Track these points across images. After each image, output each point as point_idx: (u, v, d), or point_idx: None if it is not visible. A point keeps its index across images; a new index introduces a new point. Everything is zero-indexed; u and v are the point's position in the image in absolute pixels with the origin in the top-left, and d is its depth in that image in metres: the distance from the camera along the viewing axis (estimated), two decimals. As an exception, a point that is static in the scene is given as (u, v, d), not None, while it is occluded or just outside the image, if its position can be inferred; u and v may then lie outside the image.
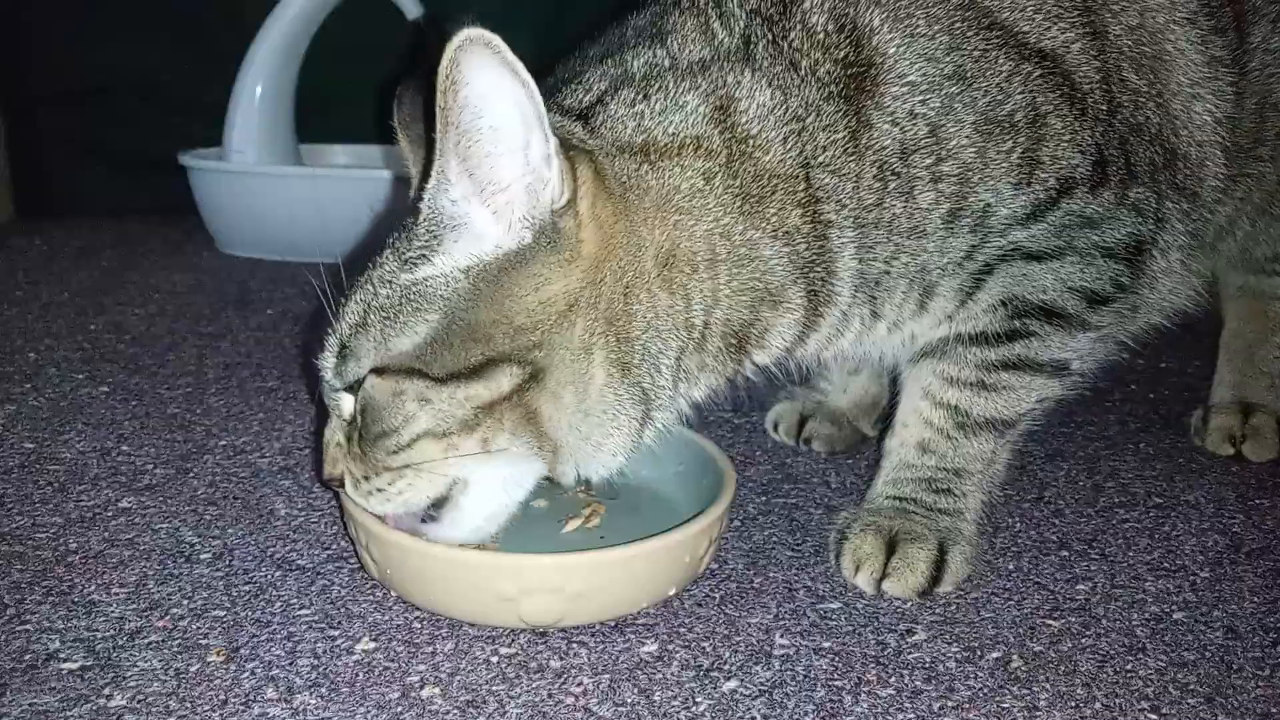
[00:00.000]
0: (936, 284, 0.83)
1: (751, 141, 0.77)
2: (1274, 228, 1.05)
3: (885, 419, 0.97)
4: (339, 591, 0.81)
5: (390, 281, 0.74)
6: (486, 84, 0.66)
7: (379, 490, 0.76)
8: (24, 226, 2.12)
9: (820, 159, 0.77)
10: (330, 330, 0.78)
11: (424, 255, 0.73)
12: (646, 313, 0.75)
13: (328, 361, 0.78)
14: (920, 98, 0.77)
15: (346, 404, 0.78)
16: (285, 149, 1.97)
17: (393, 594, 0.81)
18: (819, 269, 0.79)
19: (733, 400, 1.24)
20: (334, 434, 0.80)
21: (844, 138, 0.77)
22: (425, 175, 0.74)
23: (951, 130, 0.78)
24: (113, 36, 2.16)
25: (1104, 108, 0.81)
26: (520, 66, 0.66)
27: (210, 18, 2.14)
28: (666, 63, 0.79)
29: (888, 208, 0.78)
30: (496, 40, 0.65)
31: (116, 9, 2.14)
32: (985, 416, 0.86)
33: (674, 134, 0.76)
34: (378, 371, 0.74)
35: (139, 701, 0.67)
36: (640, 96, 0.78)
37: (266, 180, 1.90)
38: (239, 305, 1.60)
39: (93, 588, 0.80)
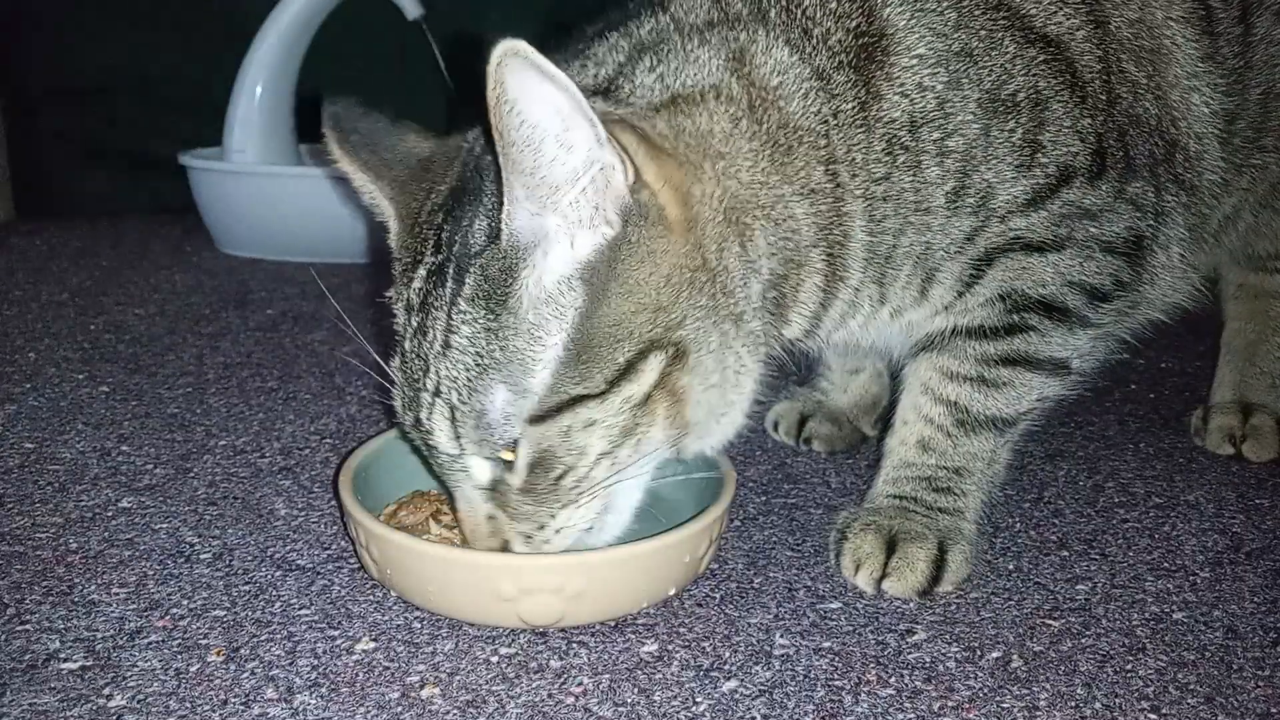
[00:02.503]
0: (938, 268, 0.83)
1: (773, 92, 0.77)
2: (1276, 221, 1.05)
3: (885, 419, 0.97)
4: (339, 591, 0.81)
5: (492, 329, 0.71)
6: (530, 95, 0.65)
7: (558, 532, 0.75)
8: (24, 226, 2.12)
9: (833, 124, 0.78)
10: (418, 412, 0.74)
11: (517, 283, 0.70)
12: (734, 263, 0.75)
13: (450, 438, 0.73)
14: (929, 71, 0.78)
15: (481, 470, 0.75)
16: (285, 149, 1.96)
17: (393, 594, 0.81)
18: (836, 233, 0.79)
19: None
20: (475, 508, 0.76)
21: (853, 108, 0.78)
22: (422, 208, 0.73)
23: (958, 105, 0.78)
24: (113, 36, 2.16)
25: (1103, 98, 0.82)
26: (552, 67, 0.65)
27: (210, 18, 2.14)
28: (672, 26, 0.80)
29: (895, 181, 0.79)
30: (525, 47, 0.63)
31: (116, 9, 2.14)
32: (985, 414, 0.86)
33: (694, 85, 0.77)
34: (536, 420, 0.71)
35: (139, 701, 0.67)
36: (656, 60, 0.78)
37: (266, 180, 1.90)
38: (239, 305, 1.60)
39: (93, 588, 0.80)
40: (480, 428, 0.72)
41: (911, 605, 0.82)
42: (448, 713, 0.67)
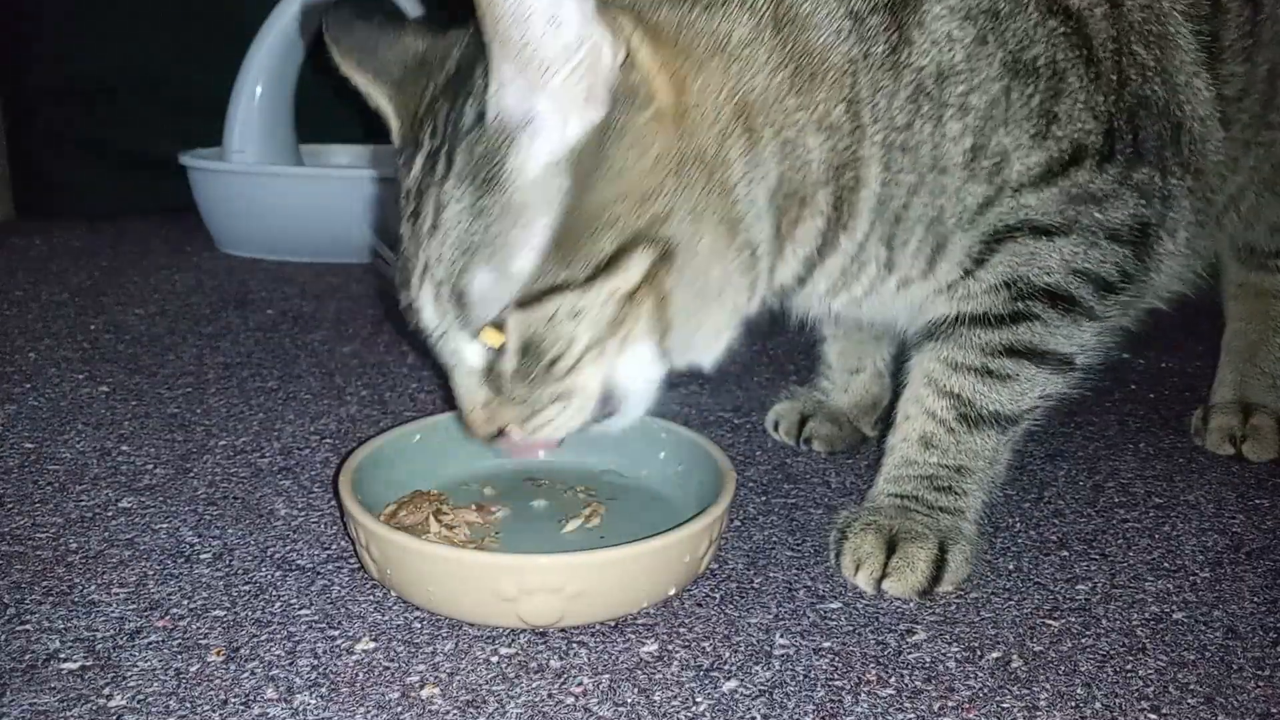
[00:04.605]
0: (948, 240, 0.83)
1: (803, 20, 0.77)
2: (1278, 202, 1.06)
3: (886, 420, 0.97)
4: (339, 591, 0.81)
5: (479, 208, 0.71)
6: None
7: (551, 420, 0.77)
8: (24, 226, 2.12)
9: (861, 66, 0.78)
10: (410, 291, 0.76)
11: (504, 165, 0.70)
12: (736, 160, 0.75)
13: (437, 317, 0.75)
14: (958, 23, 0.78)
15: (474, 353, 0.76)
16: (285, 149, 1.97)
17: (393, 594, 0.81)
18: (848, 177, 0.79)
19: (733, 400, 1.24)
20: (473, 394, 0.78)
21: (884, 52, 0.78)
22: (417, 112, 0.74)
23: (983, 63, 0.79)
24: (113, 36, 2.16)
25: (1114, 78, 0.83)
26: None
27: (210, 18, 2.13)
28: None
29: (916, 132, 0.79)
30: None
31: (117, 8, 2.14)
32: (989, 409, 0.86)
33: None
34: (522, 305, 0.72)
35: (139, 701, 0.67)
36: None
37: (266, 180, 1.90)
38: (239, 305, 1.60)
39: (93, 588, 0.80)
40: (463, 305, 0.73)
41: (911, 605, 0.82)
42: (448, 713, 0.67)
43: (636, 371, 0.77)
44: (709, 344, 0.80)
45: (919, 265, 0.84)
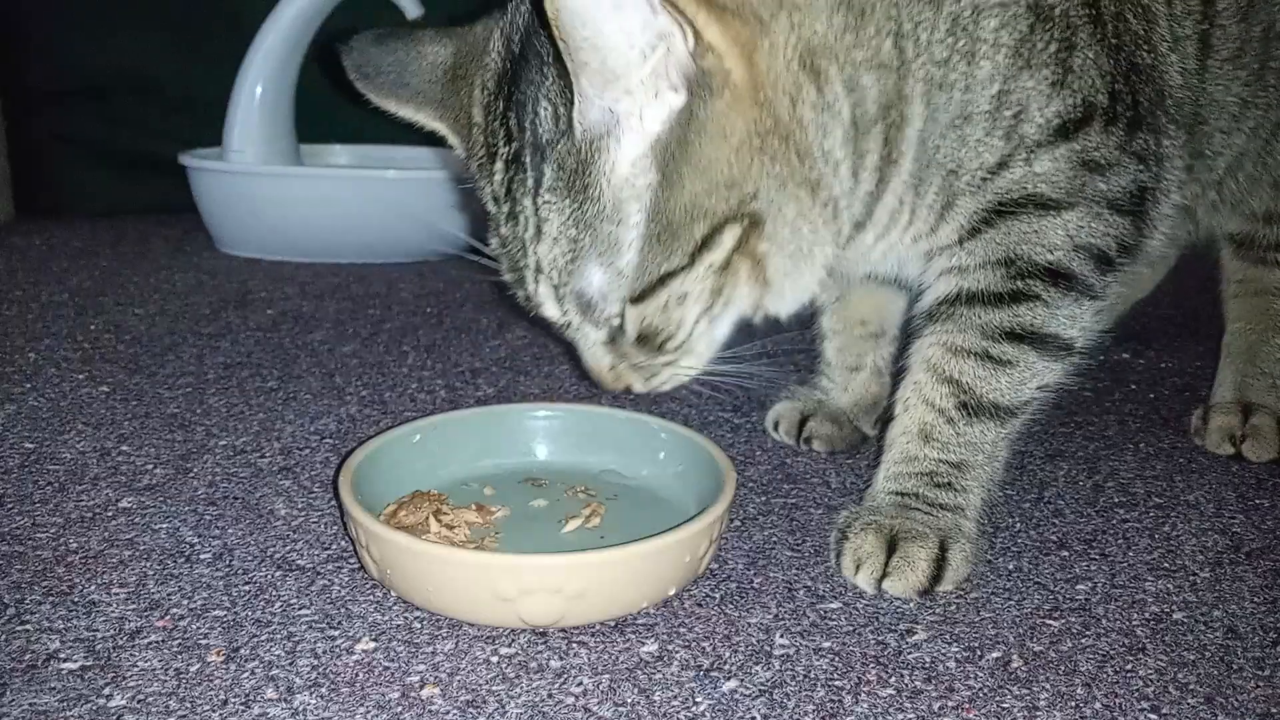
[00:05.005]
0: (956, 200, 0.84)
1: None
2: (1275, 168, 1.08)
3: (885, 419, 0.97)
4: (339, 591, 0.81)
5: (579, 216, 0.76)
6: None
7: (672, 377, 0.86)
8: (24, 226, 2.12)
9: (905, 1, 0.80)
10: (525, 288, 0.82)
11: (596, 172, 0.75)
12: (809, 114, 0.77)
13: (559, 313, 0.82)
14: None
15: (596, 335, 0.83)
16: (285, 149, 1.96)
17: (393, 594, 0.81)
18: (894, 114, 0.81)
19: (733, 400, 1.24)
20: (600, 361, 0.85)
21: None
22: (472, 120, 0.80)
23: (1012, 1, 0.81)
24: (113, 36, 2.16)
25: (1114, 42, 0.85)
26: None
27: (210, 18, 2.14)
28: None
29: (953, 68, 0.80)
30: None
31: (116, 9, 2.14)
32: (988, 398, 0.86)
33: None
34: (635, 301, 0.78)
35: (139, 701, 0.67)
36: None
37: (266, 180, 1.90)
38: (239, 305, 1.60)
39: (93, 588, 0.80)
40: (583, 303, 0.79)
41: (911, 605, 0.82)
42: (448, 713, 0.67)
43: (731, 325, 0.85)
44: (799, 296, 0.85)
45: (930, 220, 0.86)
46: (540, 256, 0.79)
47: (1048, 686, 0.72)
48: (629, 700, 0.69)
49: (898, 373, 0.94)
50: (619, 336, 0.83)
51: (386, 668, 0.72)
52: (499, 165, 0.80)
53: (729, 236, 0.77)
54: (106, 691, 0.68)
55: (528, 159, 0.77)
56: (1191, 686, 0.72)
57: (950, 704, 0.70)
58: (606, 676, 0.72)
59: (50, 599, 0.79)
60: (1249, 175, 1.07)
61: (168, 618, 0.77)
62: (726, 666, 0.73)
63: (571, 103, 0.73)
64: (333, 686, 0.69)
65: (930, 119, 0.82)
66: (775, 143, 0.76)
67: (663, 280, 0.77)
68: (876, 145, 0.82)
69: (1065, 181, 0.83)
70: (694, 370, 0.86)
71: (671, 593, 0.80)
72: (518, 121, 0.78)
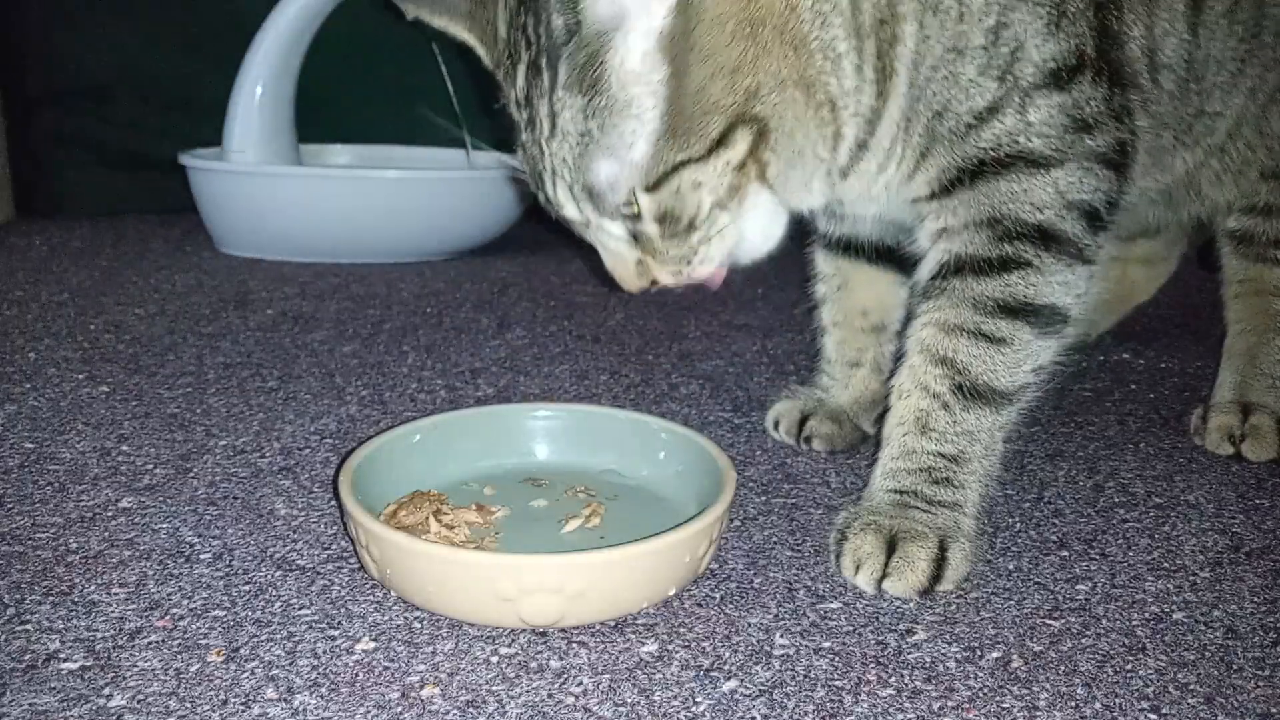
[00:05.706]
0: (933, 147, 0.86)
1: None
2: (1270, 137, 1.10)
3: (885, 417, 0.97)
4: (339, 591, 0.81)
5: (591, 110, 0.78)
6: None
7: (700, 263, 0.86)
8: (24, 226, 2.12)
9: None
10: (545, 191, 0.85)
11: (606, 66, 0.77)
12: (804, 8, 0.79)
13: (576, 211, 0.84)
14: None
15: (616, 229, 0.85)
16: (285, 149, 1.96)
17: (393, 594, 0.81)
18: (886, 32, 0.82)
19: (733, 400, 1.24)
20: (624, 258, 0.87)
21: None
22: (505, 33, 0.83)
23: None
24: (112, 36, 2.16)
25: None
26: None
27: (210, 18, 2.14)
28: None
29: None
30: None
31: (116, 9, 2.14)
32: (982, 379, 0.86)
33: None
34: (650, 189, 0.80)
35: (139, 701, 0.67)
36: None
37: (266, 180, 1.90)
38: (239, 305, 1.60)
39: (93, 588, 0.81)
40: (596, 197, 0.82)
41: (911, 605, 0.82)
42: (448, 713, 0.67)
43: (757, 218, 0.86)
44: (801, 197, 0.87)
45: (907, 165, 0.87)
46: (555, 155, 0.82)
47: (1048, 686, 0.72)
48: (629, 700, 0.69)
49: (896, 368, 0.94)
50: (638, 228, 0.84)
51: (386, 668, 0.72)
52: (520, 70, 0.83)
53: (742, 138, 0.79)
54: (106, 691, 0.68)
55: (544, 62, 0.80)
56: (1191, 686, 0.72)
57: (950, 704, 0.70)
58: (606, 676, 0.72)
59: (50, 599, 0.79)
60: (1247, 142, 1.08)
61: (168, 618, 0.77)
62: (726, 666, 0.73)
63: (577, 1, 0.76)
64: (333, 686, 0.69)
65: (923, 41, 0.82)
66: (769, 34, 0.78)
67: (676, 169, 0.79)
68: (871, 56, 0.83)
69: (1056, 136, 0.84)
70: (720, 258, 0.86)
71: (671, 593, 0.80)
72: (534, 28, 0.81)
